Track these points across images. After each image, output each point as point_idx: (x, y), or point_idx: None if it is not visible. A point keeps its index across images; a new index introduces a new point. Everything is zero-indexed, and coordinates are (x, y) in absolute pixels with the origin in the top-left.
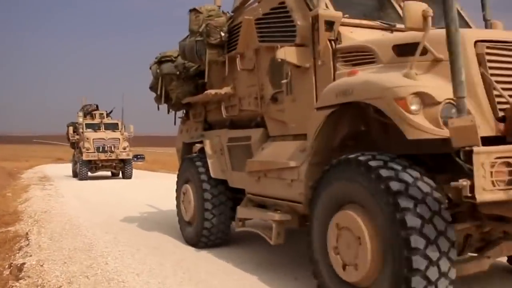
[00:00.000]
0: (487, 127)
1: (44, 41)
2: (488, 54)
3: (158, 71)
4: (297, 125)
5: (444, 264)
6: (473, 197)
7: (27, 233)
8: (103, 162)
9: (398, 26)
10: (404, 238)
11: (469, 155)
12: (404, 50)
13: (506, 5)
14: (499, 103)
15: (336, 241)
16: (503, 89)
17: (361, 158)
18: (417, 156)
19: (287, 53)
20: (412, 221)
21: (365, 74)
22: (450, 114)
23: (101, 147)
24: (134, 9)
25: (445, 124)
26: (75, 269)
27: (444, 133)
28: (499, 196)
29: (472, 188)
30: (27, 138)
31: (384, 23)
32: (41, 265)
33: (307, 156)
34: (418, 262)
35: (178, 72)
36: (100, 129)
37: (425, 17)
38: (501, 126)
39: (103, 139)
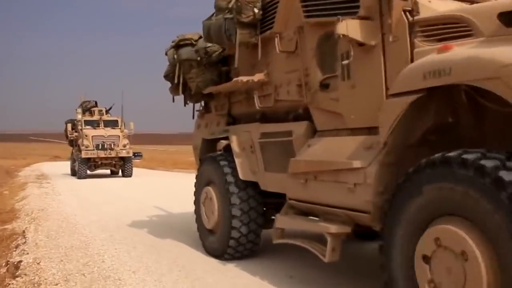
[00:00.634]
0: None
1: (41, 39)
2: None
3: (175, 56)
4: (357, 117)
5: None
6: None
7: (24, 231)
8: (102, 160)
9: None
10: None
11: None
12: None
13: None
14: None
15: (429, 266)
16: None
17: (467, 156)
18: None
19: (350, 27)
20: None
21: (465, 50)
22: None
23: (100, 145)
24: (132, 9)
25: None
26: (72, 267)
27: None
28: None
29: None
30: (23, 136)
31: None
32: (38, 263)
33: (376, 155)
34: None
35: (198, 58)
36: (99, 126)
37: None
38: None
39: (103, 136)
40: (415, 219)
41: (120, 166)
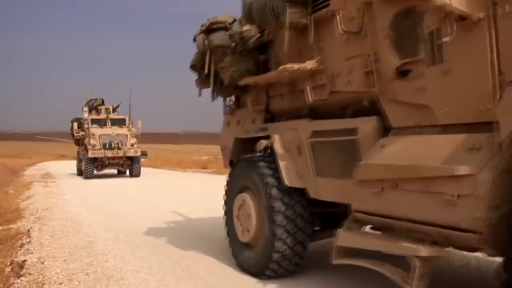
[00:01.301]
0: None
1: (47, 39)
2: None
3: (205, 42)
4: (451, 110)
5: None
6: None
7: (28, 231)
8: (109, 159)
9: None
10: None
11: None
12: None
13: None
14: None
15: None
16: None
17: None
18: None
19: None
20: None
21: None
22: None
23: (107, 144)
24: (137, 8)
25: None
26: (76, 266)
27: None
28: None
29: None
30: (30, 135)
31: None
32: (42, 262)
33: (489, 159)
34: None
35: (233, 44)
36: (106, 125)
37: None
38: None
39: (110, 135)
40: None
41: (128, 166)
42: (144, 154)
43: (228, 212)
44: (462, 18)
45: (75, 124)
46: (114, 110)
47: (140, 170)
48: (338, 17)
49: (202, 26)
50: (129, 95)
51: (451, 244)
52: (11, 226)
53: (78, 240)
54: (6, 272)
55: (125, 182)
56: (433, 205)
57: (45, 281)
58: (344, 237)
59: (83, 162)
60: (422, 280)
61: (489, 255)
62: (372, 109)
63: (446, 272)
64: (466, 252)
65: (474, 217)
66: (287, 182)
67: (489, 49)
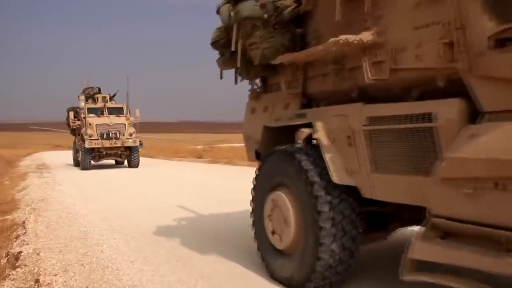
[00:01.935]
0: None
1: (40, 28)
2: None
3: (232, 14)
4: None
5: None
6: None
7: (24, 222)
8: (107, 150)
9: None
10: None
11: None
12: None
13: None
14: None
15: None
16: None
17: None
18: None
19: None
20: None
21: None
22: None
23: (105, 134)
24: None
25: None
26: (71, 257)
27: None
28: None
29: None
30: (24, 125)
31: None
32: (38, 254)
33: None
34: None
35: (265, 16)
36: (103, 114)
37: None
38: None
39: (107, 124)
40: None
41: (126, 156)
42: (140, 144)
43: (257, 212)
44: None
45: (71, 114)
46: (111, 98)
47: (138, 161)
48: None
49: None
50: (127, 83)
51: None
52: (6, 217)
53: (73, 231)
54: (2, 263)
55: (122, 173)
56: None
57: (40, 272)
58: (420, 248)
59: (80, 153)
60: None
61: None
62: (450, 89)
63: None
64: None
65: None
66: (336, 179)
67: None
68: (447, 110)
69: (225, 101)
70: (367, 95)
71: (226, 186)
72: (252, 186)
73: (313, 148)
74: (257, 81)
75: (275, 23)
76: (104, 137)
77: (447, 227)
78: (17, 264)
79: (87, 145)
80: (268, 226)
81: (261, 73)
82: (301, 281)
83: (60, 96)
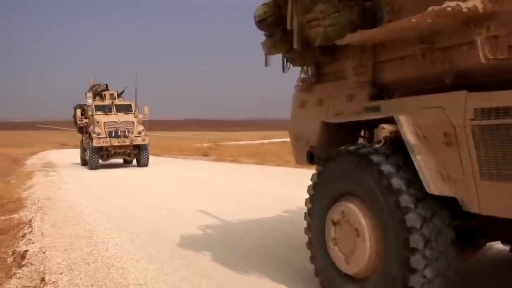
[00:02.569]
0: None
1: (47, 26)
2: None
3: None
4: None
5: None
6: None
7: (30, 220)
8: (115, 148)
9: None
10: None
11: None
12: None
13: None
14: None
15: None
16: None
17: None
18: None
19: None
20: None
21: None
22: None
23: (113, 132)
24: None
25: None
26: (76, 255)
27: None
28: None
29: None
30: (30, 124)
31: None
32: (43, 252)
33: None
34: None
35: None
36: (111, 112)
37: None
38: None
39: (115, 122)
40: None
41: (135, 155)
42: None
43: (315, 228)
44: None
45: (78, 111)
46: (119, 95)
47: (148, 160)
48: None
49: None
50: (135, 79)
51: None
52: (13, 216)
53: (79, 230)
54: (8, 262)
55: (128, 171)
56: None
57: (46, 271)
58: None
59: (88, 152)
60: None
61: None
62: None
63: None
64: None
65: None
66: (432, 187)
67: None
68: None
69: (229, 99)
70: (467, 82)
71: (232, 184)
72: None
73: (394, 149)
74: (308, 69)
75: None
76: (113, 135)
77: None
78: (23, 263)
79: (95, 143)
80: (332, 245)
81: (319, 57)
82: None
83: (67, 94)
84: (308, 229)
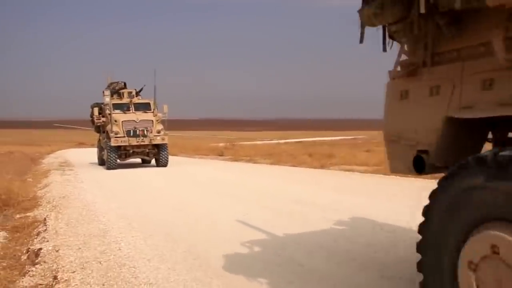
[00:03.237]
0: None
1: (65, 24)
2: None
3: None
4: None
5: None
6: None
7: (45, 219)
8: (134, 148)
9: None
10: None
11: None
12: None
13: None
14: None
15: None
16: None
17: None
18: None
19: None
20: None
21: None
22: None
23: (132, 131)
24: None
25: None
26: (89, 254)
27: None
28: None
29: None
30: (47, 122)
31: None
32: (57, 251)
33: None
34: None
35: None
36: (129, 110)
37: None
38: None
39: (134, 121)
40: None
41: (154, 155)
42: None
43: (436, 263)
44: None
45: (96, 110)
46: (137, 93)
47: (167, 160)
48: None
49: None
50: (154, 76)
51: None
52: (28, 214)
53: (92, 229)
54: (22, 260)
55: (144, 171)
56: None
57: (59, 269)
58: None
59: (105, 151)
60: None
61: None
62: None
63: None
64: None
65: None
66: None
67: None
68: None
69: (244, 98)
70: None
71: (247, 184)
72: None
73: None
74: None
75: None
76: (131, 134)
77: None
78: (36, 261)
79: (113, 143)
80: None
81: (444, 29)
82: None
83: (83, 93)
84: (421, 268)
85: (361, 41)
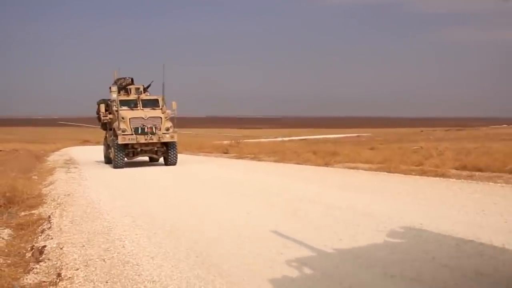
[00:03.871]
0: None
1: (68, 21)
2: None
3: None
4: None
5: None
6: None
7: (49, 216)
8: (142, 146)
9: None
10: None
11: None
12: None
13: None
14: None
15: None
16: None
17: None
18: None
19: None
20: None
21: None
22: None
23: (140, 128)
24: None
25: None
26: (93, 252)
27: None
28: None
29: None
30: (52, 120)
31: None
32: (61, 248)
33: None
34: None
35: None
36: (137, 107)
37: None
38: None
39: (142, 118)
40: None
41: (163, 153)
42: None
43: None
44: None
45: (102, 107)
46: (145, 90)
47: (176, 158)
48: None
49: None
50: (163, 72)
51: None
52: (33, 211)
53: (96, 226)
54: (26, 257)
55: (148, 169)
56: None
57: (62, 267)
58: None
59: (112, 150)
60: None
61: None
62: None
63: None
64: None
65: None
66: None
67: None
68: None
69: (250, 96)
70: None
71: (250, 181)
72: None
73: None
74: None
75: None
76: (139, 132)
77: None
78: (41, 258)
79: (120, 140)
80: None
81: None
82: None
83: (88, 92)
84: None
85: None
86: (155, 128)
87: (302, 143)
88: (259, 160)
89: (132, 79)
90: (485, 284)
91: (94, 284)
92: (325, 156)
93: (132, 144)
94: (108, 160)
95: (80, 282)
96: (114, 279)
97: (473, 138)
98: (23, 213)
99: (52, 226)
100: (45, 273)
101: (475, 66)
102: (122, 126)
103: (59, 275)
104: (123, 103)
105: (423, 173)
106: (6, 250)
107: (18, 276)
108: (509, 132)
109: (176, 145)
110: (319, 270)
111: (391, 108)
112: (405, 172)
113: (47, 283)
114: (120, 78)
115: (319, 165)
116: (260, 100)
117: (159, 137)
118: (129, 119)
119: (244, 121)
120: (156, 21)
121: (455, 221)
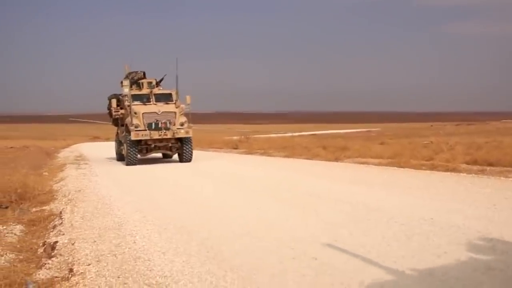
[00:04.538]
0: None
1: (78, 16)
2: None
3: None
4: None
5: None
6: None
7: (61, 212)
8: (156, 142)
9: None
10: None
11: None
12: None
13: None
14: None
15: None
16: None
17: None
18: None
19: None
20: None
21: None
22: None
23: (153, 124)
24: None
25: None
26: (104, 247)
27: None
28: None
29: None
30: (62, 117)
31: None
32: (73, 244)
33: None
34: None
35: None
36: (150, 101)
37: None
38: None
39: (155, 113)
40: None
41: (177, 149)
42: None
43: None
44: None
45: (114, 101)
46: (158, 84)
47: (192, 154)
48: None
49: None
50: (176, 65)
51: None
52: (44, 207)
53: (107, 222)
54: (38, 252)
55: (160, 166)
56: None
57: (74, 262)
58: None
59: (125, 146)
60: None
61: None
62: None
63: None
64: None
65: None
66: None
67: None
68: None
69: (259, 91)
70: None
71: (260, 177)
72: None
73: None
74: None
75: None
76: (152, 127)
77: None
78: (53, 254)
79: (133, 136)
80: None
81: None
82: None
83: (98, 88)
84: None
85: None
86: (169, 123)
87: (312, 138)
88: (269, 156)
89: (144, 73)
90: (497, 279)
91: (106, 279)
92: (335, 151)
93: (146, 140)
94: (120, 157)
95: (92, 277)
96: (126, 274)
97: (484, 133)
98: (34, 209)
99: (63, 222)
100: (57, 269)
101: (484, 60)
102: (135, 121)
103: (71, 270)
104: (135, 97)
105: (433, 167)
106: (18, 246)
107: (31, 272)
108: None
109: (191, 141)
110: (329, 265)
111: (399, 102)
112: (416, 167)
113: (59, 278)
114: (132, 72)
115: (329, 160)
116: (269, 95)
117: (174, 133)
118: (142, 114)
119: (254, 117)
120: (165, 17)
121: (466, 215)
